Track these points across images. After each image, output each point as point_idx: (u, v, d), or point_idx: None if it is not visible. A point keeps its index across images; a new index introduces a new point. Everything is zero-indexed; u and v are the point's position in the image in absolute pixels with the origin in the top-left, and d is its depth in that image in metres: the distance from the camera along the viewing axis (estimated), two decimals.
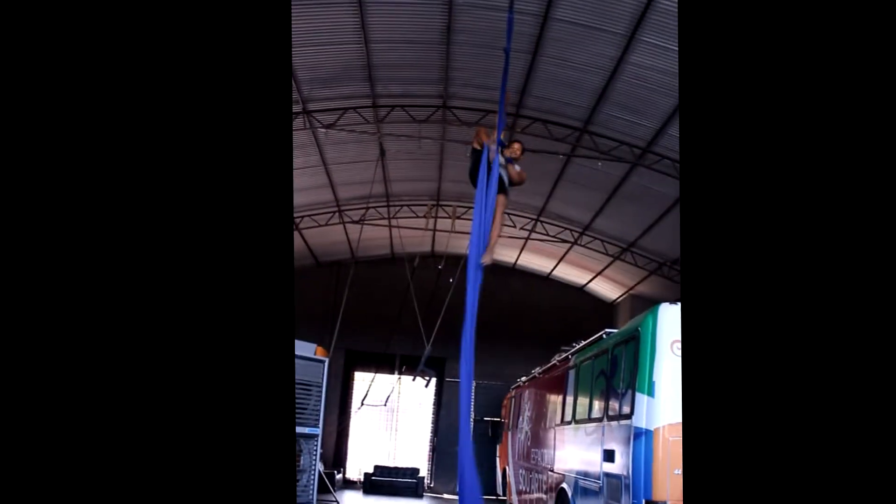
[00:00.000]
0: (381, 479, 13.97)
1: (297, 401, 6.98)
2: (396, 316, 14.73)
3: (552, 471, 8.28)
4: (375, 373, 15.20)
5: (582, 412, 7.30)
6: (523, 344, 15.14)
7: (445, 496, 14.88)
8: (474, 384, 16.40)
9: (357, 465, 15.76)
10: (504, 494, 12.74)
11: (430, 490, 15.14)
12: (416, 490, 13.81)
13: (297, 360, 7.08)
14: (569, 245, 14.70)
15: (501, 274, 17.08)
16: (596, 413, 6.73)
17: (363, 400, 13.33)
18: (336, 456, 15.90)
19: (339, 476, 14.26)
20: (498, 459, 13.76)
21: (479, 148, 5.44)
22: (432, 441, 15.25)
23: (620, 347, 6.32)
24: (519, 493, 10.75)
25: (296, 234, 14.88)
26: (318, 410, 7.11)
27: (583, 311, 16.24)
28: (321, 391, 7.15)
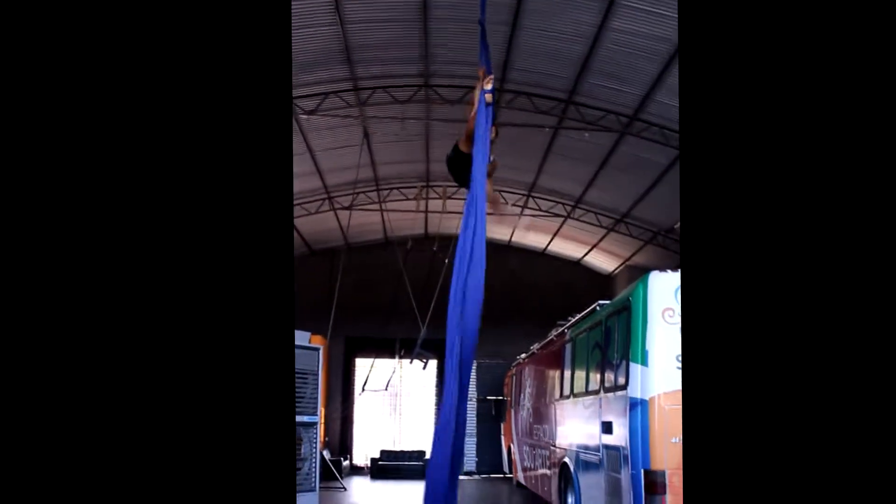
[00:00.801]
0: (387, 464, 14.01)
1: (295, 390, 6.93)
2: (392, 300, 14.69)
3: (554, 446, 8.27)
4: (376, 358, 15.18)
5: (579, 385, 7.26)
6: (523, 321, 15.09)
7: None
8: (475, 364, 16.42)
9: (364, 451, 15.80)
10: (510, 472, 12.78)
11: None
12: (423, 472, 13.85)
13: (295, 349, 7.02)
14: (562, 219, 14.60)
15: (497, 252, 16.99)
16: (593, 386, 6.68)
17: (364, 385, 13.32)
18: (342, 443, 15.94)
19: (345, 463, 14.29)
20: (503, 438, 13.80)
21: (465, 151, 4.94)
22: (435, 423, 15.29)
23: (613, 318, 6.25)
24: (524, 469, 10.78)
25: None
26: (316, 398, 7.06)
27: (581, 285, 16.18)
28: (317, 379, 7.10)
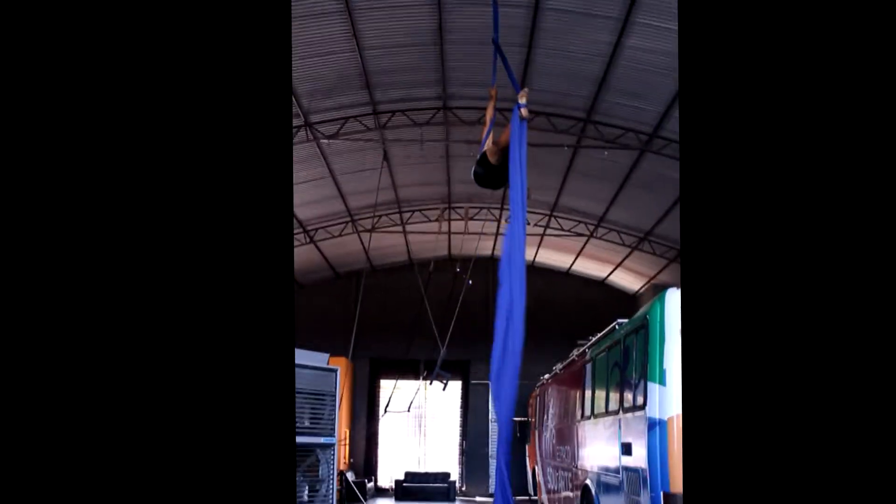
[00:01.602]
0: (412, 486, 13.92)
1: (311, 411, 6.96)
2: (415, 321, 14.69)
3: (576, 467, 8.12)
4: (399, 379, 15.17)
5: (599, 406, 7.14)
6: (547, 342, 14.93)
7: (477, 499, 14.76)
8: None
9: (388, 473, 15.73)
10: (535, 494, 12.57)
11: (462, 493, 15.05)
12: (447, 494, 13.73)
13: (309, 371, 7.06)
14: (585, 238, 14.50)
15: None
16: (612, 406, 6.57)
17: (386, 407, 13.29)
18: (367, 464, 15.89)
19: (370, 484, 14.24)
20: (528, 459, 13.60)
21: (493, 163, 4.91)
22: (461, 444, 15.16)
23: (631, 337, 6.16)
24: (549, 492, 10.59)
25: (312, 246, 14.96)
26: (333, 419, 7.07)
27: (606, 304, 15.99)
28: (335, 400, 7.12)
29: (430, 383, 11.87)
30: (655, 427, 5.23)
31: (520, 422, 14.36)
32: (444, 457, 15.52)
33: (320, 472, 6.90)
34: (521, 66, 9.48)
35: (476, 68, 9.56)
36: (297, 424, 6.75)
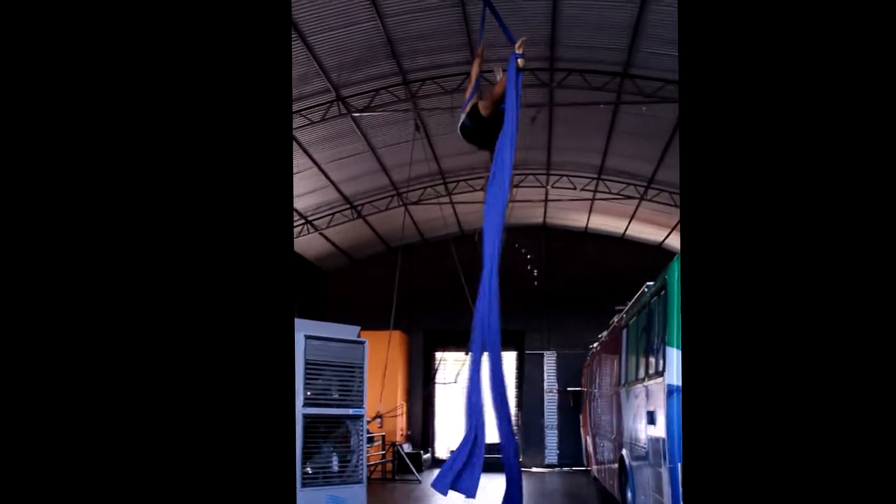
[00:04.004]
0: None
1: (340, 383, 7.01)
2: (464, 293, 14.58)
3: (614, 437, 7.85)
4: (455, 351, 15.18)
5: (631, 374, 6.83)
6: (603, 309, 14.52)
7: (533, 469, 14.65)
8: (555, 354, 15.94)
9: (446, 444, 15.85)
10: (587, 465, 12.33)
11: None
12: (500, 464, 13.68)
13: (338, 344, 7.10)
14: (636, 201, 13.88)
15: (571, 240, 16.48)
16: (641, 373, 6.26)
17: (433, 378, 13.33)
18: (424, 435, 16.07)
19: (426, 455, 14.39)
20: (582, 430, 13.35)
21: (485, 114, 4.78)
22: (517, 415, 15.05)
23: (655, 300, 5.82)
24: (597, 462, 10.35)
25: (360, 221, 15.07)
26: (362, 391, 7.09)
27: (662, 269, 15.35)
28: (363, 372, 7.13)
29: (466, 353, 11.76)
30: (673, 394, 4.92)
31: (573, 392, 14.10)
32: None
33: (351, 442, 6.95)
34: (548, 21, 9.04)
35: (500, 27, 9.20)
36: (327, 396, 6.83)
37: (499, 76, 4.80)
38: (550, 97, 10.82)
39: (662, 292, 5.48)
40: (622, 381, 7.39)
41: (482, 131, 4.67)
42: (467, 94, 4.88)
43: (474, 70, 4.90)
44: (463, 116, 4.88)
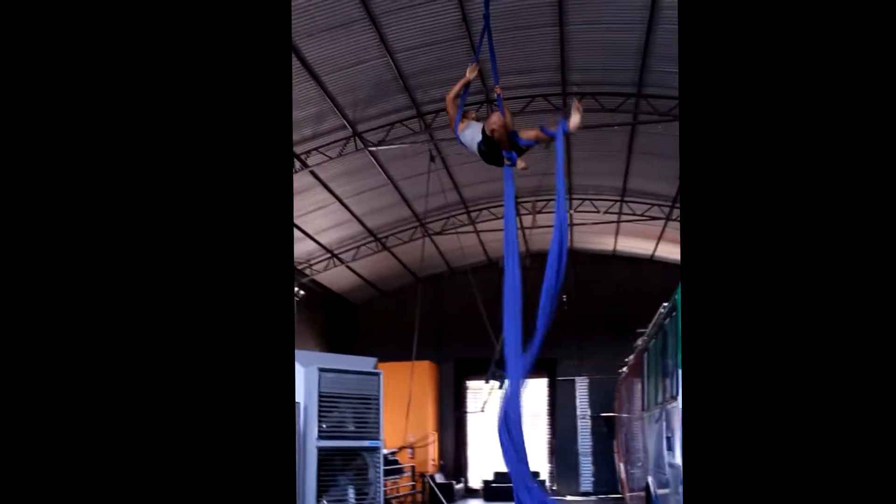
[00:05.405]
0: (500, 486, 13.72)
1: (355, 415, 7.01)
2: (490, 321, 14.49)
3: (641, 463, 7.64)
4: (477, 380, 15.06)
5: (650, 397, 6.67)
6: (633, 333, 14.27)
7: (568, 498, 14.30)
8: (587, 380, 15.65)
9: (478, 474, 15.61)
10: (622, 492, 11.98)
11: (552, 492, 14.64)
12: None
13: (354, 375, 7.12)
14: (662, 221, 13.68)
15: (600, 263, 16.28)
16: (659, 397, 6.10)
17: (460, 408, 13.19)
18: (456, 465, 15.87)
19: (459, 485, 14.19)
20: (615, 456, 13.01)
21: (497, 139, 4.90)
22: (550, 443, 14.77)
23: (668, 321, 5.70)
24: (629, 490, 10.05)
25: (387, 254, 15.19)
26: (378, 423, 7.07)
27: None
28: (378, 404, 7.12)
29: (487, 382, 11.65)
30: None
31: (606, 417, 13.79)
32: (533, 456, 15.19)
33: (369, 475, 6.92)
34: (556, 46, 9.12)
35: (509, 55, 9.29)
36: (342, 429, 6.83)
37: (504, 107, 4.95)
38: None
39: (674, 313, 5.37)
40: (644, 406, 7.22)
41: (497, 153, 4.81)
42: (455, 116, 5.07)
43: (456, 88, 5.06)
44: (478, 138, 4.94)
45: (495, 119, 4.77)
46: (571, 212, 14.02)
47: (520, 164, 4.68)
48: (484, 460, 15.91)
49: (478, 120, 5.07)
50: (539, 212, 13.81)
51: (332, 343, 15.93)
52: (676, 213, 13.25)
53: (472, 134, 4.93)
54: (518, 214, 14.24)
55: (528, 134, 4.77)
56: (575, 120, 4.49)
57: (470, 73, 5.06)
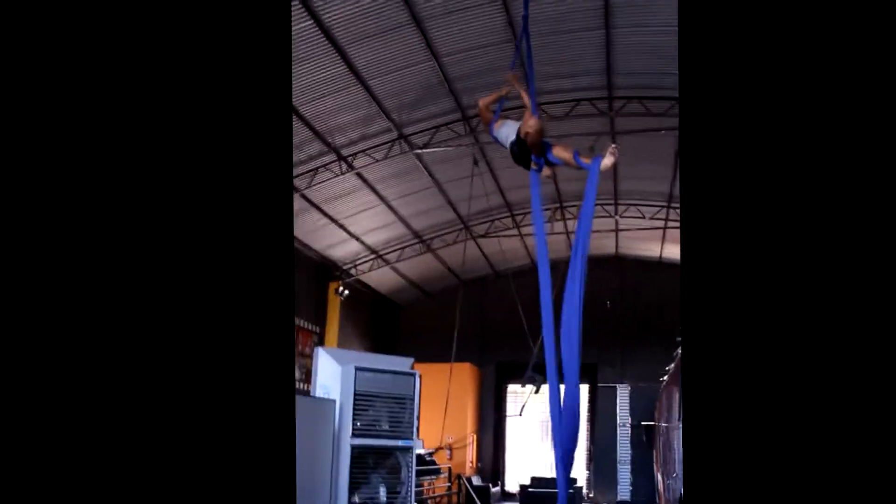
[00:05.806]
0: (537, 491, 13.67)
1: (390, 414, 7.14)
2: (531, 325, 14.47)
3: (675, 475, 7.53)
4: (516, 383, 15.05)
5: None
6: (676, 342, 14.01)
7: None
8: (629, 388, 15.40)
9: (516, 477, 15.60)
10: (659, 503, 11.78)
11: (589, 500, 14.49)
12: (573, 500, 13.30)
13: (391, 375, 7.26)
14: None
15: (646, 270, 16.02)
16: None
17: (500, 411, 13.19)
18: (494, 468, 15.89)
19: (496, 489, 14.22)
20: (654, 466, 12.80)
21: (530, 143, 5.00)
22: (589, 449, 14.62)
23: None
24: (666, 501, 9.88)
25: (431, 255, 15.35)
26: (412, 423, 7.17)
27: None
28: (414, 404, 7.22)
29: (523, 386, 11.62)
30: None
31: (646, 426, 13.57)
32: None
33: (402, 475, 7.03)
34: (602, 50, 9.08)
35: (554, 59, 9.32)
36: (376, 427, 6.97)
37: (524, 99, 5.02)
38: (612, 125, 10.76)
39: None
40: (679, 416, 7.12)
41: (526, 156, 4.87)
42: (491, 120, 5.15)
43: (493, 98, 5.13)
44: (512, 138, 5.01)
45: (532, 123, 4.81)
46: (617, 217, 13.88)
47: (545, 171, 4.74)
48: (522, 464, 15.89)
49: (515, 119, 5.14)
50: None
51: (377, 343, 16.18)
52: None
53: (507, 132, 4.99)
54: (563, 219, 14.26)
55: (560, 154, 4.77)
56: (608, 162, 4.47)
57: (506, 88, 5.12)
